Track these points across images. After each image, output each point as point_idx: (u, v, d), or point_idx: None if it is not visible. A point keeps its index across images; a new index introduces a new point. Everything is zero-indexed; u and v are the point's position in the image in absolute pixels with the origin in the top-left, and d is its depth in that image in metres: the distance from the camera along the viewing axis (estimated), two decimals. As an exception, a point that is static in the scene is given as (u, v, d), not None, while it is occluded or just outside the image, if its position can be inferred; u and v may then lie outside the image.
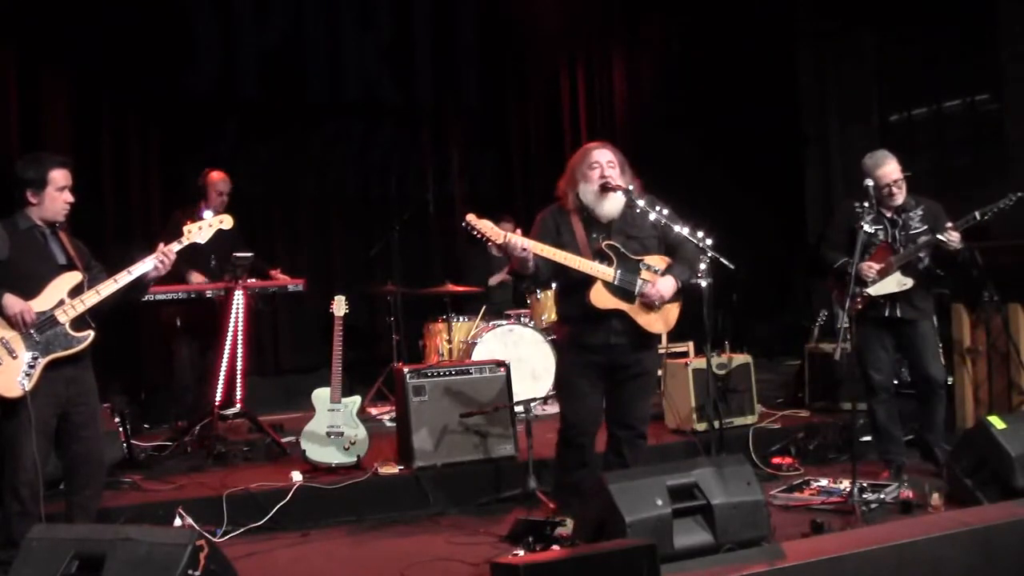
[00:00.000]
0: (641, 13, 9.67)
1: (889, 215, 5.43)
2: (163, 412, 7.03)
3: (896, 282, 5.36)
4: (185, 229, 4.43)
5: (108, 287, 4.21)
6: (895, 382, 5.81)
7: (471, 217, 4.36)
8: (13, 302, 4.04)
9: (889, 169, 5.38)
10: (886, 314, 5.41)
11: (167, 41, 8.00)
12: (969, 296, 6.46)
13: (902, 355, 5.62)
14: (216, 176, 6.71)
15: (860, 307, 5.37)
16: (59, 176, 4.26)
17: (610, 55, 9.99)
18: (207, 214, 4.58)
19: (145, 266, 4.27)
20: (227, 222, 4.55)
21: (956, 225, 5.23)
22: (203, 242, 4.49)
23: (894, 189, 5.38)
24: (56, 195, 4.25)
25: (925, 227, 5.37)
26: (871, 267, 5.34)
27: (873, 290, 5.37)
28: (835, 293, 5.66)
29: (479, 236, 4.32)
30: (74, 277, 4.24)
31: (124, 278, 4.24)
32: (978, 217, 5.22)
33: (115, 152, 7.88)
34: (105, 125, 7.88)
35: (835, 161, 10.45)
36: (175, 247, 4.34)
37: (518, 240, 4.31)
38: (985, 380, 6.54)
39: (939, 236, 5.23)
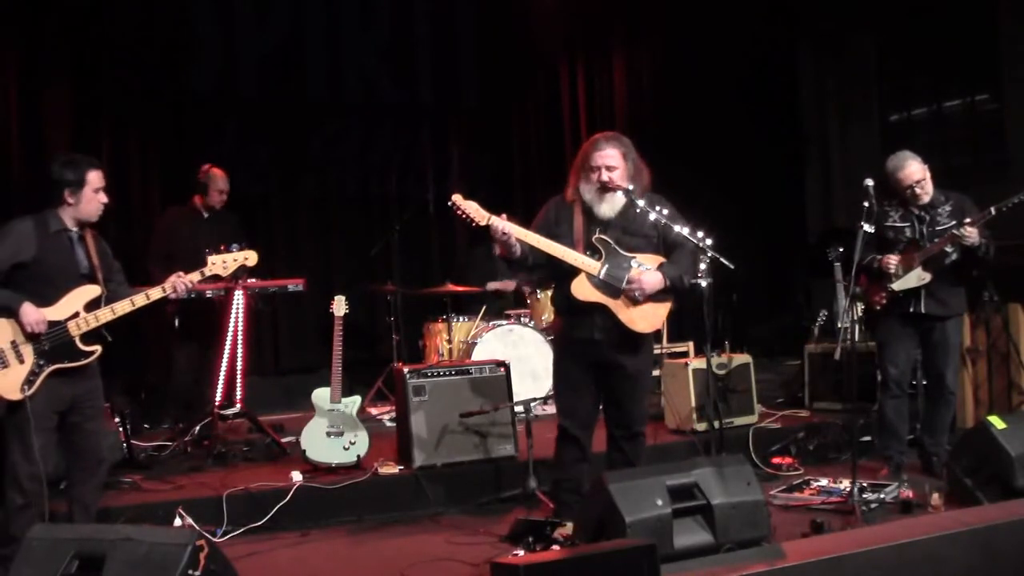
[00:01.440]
0: (641, 13, 9.67)
1: (917, 212, 5.47)
2: (163, 412, 7.03)
3: (917, 277, 5.40)
4: (210, 260, 4.47)
5: (124, 307, 4.26)
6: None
7: (456, 198, 4.36)
8: (30, 311, 4.09)
9: (912, 170, 5.41)
10: (911, 310, 5.45)
11: (167, 41, 8.02)
12: (969, 296, 6.46)
13: (921, 351, 5.64)
14: (217, 172, 6.71)
15: (884, 302, 5.44)
16: (95, 177, 4.31)
17: (610, 55, 9.99)
18: (233, 247, 4.61)
19: (164, 292, 4.32)
20: (252, 259, 4.60)
21: (973, 220, 5.25)
22: (225, 275, 4.59)
23: (917, 190, 5.41)
24: (92, 196, 4.30)
25: (953, 222, 5.38)
26: (892, 260, 5.41)
27: (896, 285, 5.43)
28: (864, 288, 5.70)
29: (463, 216, 4.33)
30: (93, 291, 4.27)
31: (141, 301, 4.30)
32: (994, 212, 5.23)
33: (115, 152, 7.88)
34: (105, 125, 7.89)
35: (835, 161, 10.45)
36: (196, 277, 4.40)
37: (500, 224, 4.34)
38: (985, 380, 6.55)
39: (954, 231, 5.26)
